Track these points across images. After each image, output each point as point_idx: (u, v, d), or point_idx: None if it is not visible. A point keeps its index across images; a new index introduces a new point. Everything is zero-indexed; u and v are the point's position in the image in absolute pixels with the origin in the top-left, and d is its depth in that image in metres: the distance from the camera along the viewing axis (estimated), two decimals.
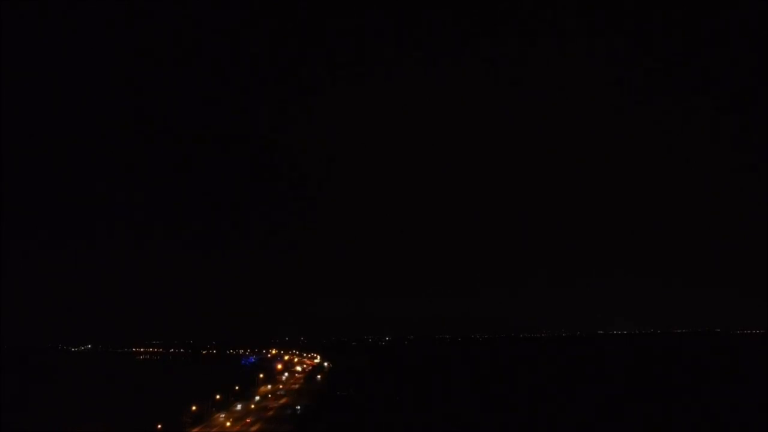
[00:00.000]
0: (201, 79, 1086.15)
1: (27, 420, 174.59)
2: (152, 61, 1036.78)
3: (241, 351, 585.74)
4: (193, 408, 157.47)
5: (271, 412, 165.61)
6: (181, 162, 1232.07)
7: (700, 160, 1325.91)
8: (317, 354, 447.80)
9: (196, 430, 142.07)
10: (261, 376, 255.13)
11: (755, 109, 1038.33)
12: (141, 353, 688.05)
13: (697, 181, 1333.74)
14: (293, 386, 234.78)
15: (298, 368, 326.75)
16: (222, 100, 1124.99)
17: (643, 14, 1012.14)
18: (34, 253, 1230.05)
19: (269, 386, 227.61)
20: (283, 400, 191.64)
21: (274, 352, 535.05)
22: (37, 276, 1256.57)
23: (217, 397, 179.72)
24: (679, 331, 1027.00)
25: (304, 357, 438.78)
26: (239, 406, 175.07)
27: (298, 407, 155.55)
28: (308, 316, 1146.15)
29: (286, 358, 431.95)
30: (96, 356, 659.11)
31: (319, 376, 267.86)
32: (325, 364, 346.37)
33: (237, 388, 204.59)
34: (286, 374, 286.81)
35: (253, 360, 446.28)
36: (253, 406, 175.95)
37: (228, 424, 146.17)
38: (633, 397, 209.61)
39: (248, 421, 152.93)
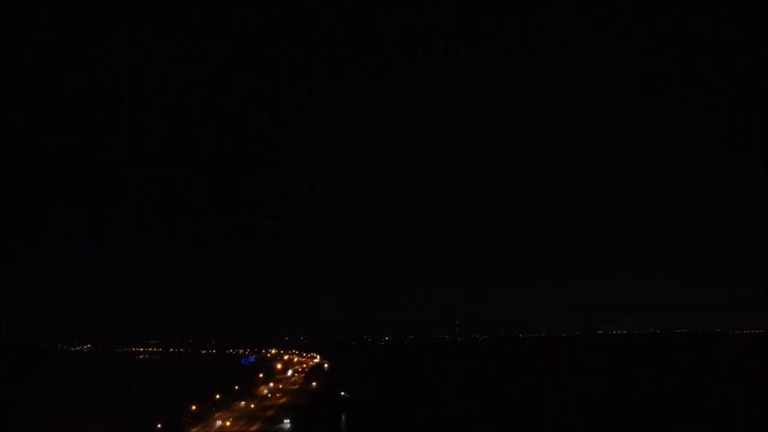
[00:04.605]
0: (199, 77, 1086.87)
1: (27, 420, 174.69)
2: (151, 60, 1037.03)
3: (241, 351, 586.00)
4: (193, 408, 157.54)
5: (270, 412, 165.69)
6: (182, 163, 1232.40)
7: (700, 160, 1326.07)
8: (317, 354, 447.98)
9: (195, 429, 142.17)
10: (261, 375, 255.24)
11: (755, 109, 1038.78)
12: (141, 353, 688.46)
13: (697, 181, 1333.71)
14: (293, 386, 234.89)
15: (298, 368, 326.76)
16: (223, 99, 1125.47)
17: (643, 14, 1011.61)
18: (34, 253, 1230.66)
19: (269, 386, 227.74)
20: (282, 400, 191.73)
21: (273, 351, 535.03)
22: (37, 276, 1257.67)
23: (217, 396, 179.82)
24: (679, 331, 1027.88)
25: (304, 357, 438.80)
26: (239, 406, 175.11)
27: (287, 420, 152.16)
28: (308, 316, 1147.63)
29: (286, 357, 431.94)
30: (96, 356, 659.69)
31: (318, 377, 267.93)
32: (325, 364, 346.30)
33: (237, 387, 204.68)
34: (286, 374, 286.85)
35: (252, 360, 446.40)
36: (252, 406, 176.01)
37: (228, 423, 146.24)
38: (633, 396, 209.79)
39: (248, 420, 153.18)
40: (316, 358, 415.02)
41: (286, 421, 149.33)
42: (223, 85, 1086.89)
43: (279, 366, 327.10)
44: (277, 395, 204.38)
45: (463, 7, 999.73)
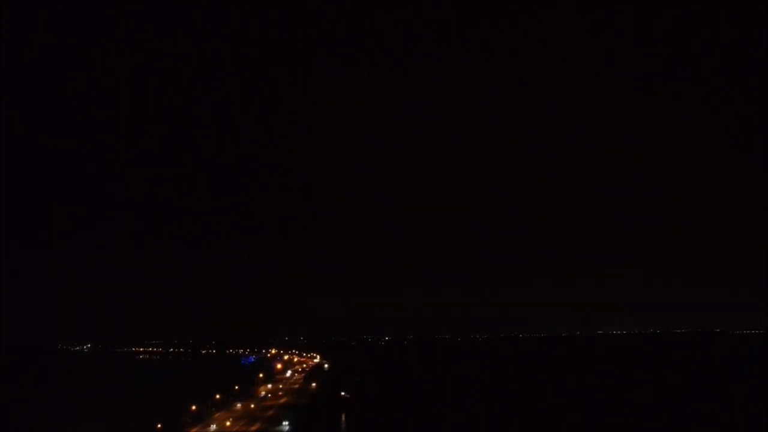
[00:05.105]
0: (199, 77, 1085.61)
1: (27, 420, 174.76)
2: (150, 60, 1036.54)
3: (241, 351, 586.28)
4: (193, 408, 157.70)
5: (270, 412, 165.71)
6: (182, 163, 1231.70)
7: (700, 160, 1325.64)
8: (317, 354, 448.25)
9: (195, 429, 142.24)
10: (261, 375, 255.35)
11: (755, 109, 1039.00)
12: (141, 353, 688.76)
13: (697, 181, 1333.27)
14: (293, 386, 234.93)
15: (298, 368, 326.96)
16: (222, 99, 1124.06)
17: (644, 14, 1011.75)
18: (34, 253, 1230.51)
19: (269, 386, 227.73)
20: (282, 400, 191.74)
21: (273, 351, 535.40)
22: (37, 276, 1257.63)
23: (217, 396, 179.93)
24: (679, 331, 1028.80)
25: (304, 357, 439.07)
26: (239, 406, 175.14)
27: (287, 423, 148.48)
28: (308, 316, 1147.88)
29: (286, 357, 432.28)
30: (96, 356, 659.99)
31: (318, 377, 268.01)
32: (325, 364, 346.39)
33: (237, 387, 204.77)
34: (286, 374, 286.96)
35: (252, 360, 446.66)
36: (252, 406, 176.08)
37: (228, 423, 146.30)
38: (633, 396, 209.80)
39: (248, 420, 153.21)
40: (316, 358, 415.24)
41: (285, 423, 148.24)
42: (222, 85, 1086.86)
43: (279, 366, 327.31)
44: (278, 395, 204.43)
45: (463, 7, 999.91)
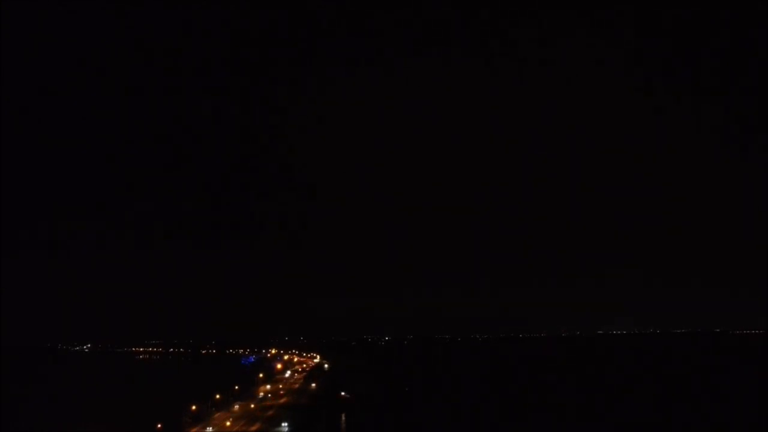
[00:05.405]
0: (199, 77, 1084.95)
1: (27, 420, 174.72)
2: (148, 59, 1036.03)
3: (241, 351, 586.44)
4: (193, 408, 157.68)
5: (270, 412, 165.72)
6: (182, 162, 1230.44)
7: (700, 160, 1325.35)
8: (317, 354, 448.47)
9: (195, 429, 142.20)
10: (260, 375, 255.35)
11: (755, 109, 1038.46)
12: (141, 353, 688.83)
13: (697, 181, 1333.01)
14: (293, 386, 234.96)
15: (298, 368, 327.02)
16: (222, 99, 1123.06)
17: (644, 14, 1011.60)
18: (34, 253, 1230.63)
19: (269, 386, 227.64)
20: (282, 400, 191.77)
21: (273, 351, 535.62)
22: (37, 276, 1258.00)
23: (217, 396, 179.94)
24: (679, 331, 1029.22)
25: (304, 357, 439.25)
26: (238, 406, 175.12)
27: (285, 424, 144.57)
28: (308, 316, 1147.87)
29: (286, 357, 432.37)
30: (96, 356, 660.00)
31: (318, 377, 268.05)
32: (325, 364, 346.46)
33: (237, 387, 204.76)
34: (286, 374, 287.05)
35: (252, 360, 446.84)
36: (252, 406, 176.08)
37: (228, 423, 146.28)
38: (632, 396, 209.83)
39: (247, 420, 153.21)
40: (316, 358, 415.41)
41: (285, 423, 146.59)
42: (223, 85, 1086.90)
43: (279, 366, 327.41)
44: (278, 395, 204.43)
45: (463, 7, 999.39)
